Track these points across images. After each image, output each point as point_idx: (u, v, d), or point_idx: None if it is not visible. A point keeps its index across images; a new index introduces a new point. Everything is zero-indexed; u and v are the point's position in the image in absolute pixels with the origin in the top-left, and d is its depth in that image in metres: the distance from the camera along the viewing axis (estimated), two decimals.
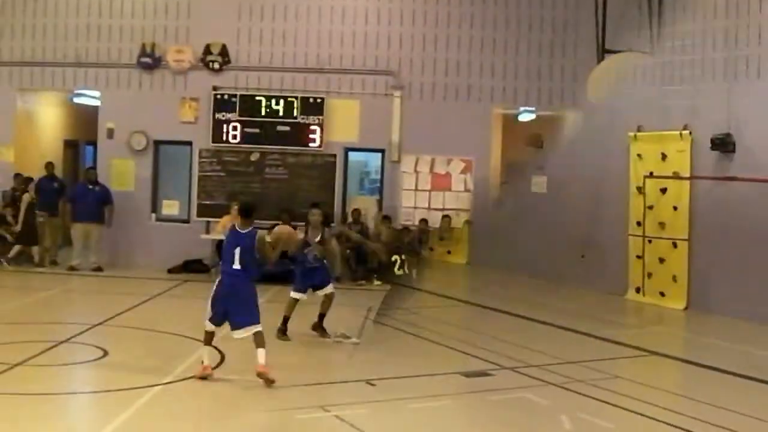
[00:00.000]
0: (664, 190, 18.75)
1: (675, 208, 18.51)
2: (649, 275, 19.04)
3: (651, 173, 19.02)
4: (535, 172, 22.45)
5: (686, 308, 18.18)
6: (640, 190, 19.20)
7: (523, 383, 12.11)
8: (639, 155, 19.33)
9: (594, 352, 14.10)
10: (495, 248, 22.99)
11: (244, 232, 11.75)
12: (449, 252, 24.38)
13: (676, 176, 18.47)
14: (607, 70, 19.74)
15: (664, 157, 18.75)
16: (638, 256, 19.25)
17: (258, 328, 11.52)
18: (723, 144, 17.49)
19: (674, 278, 18.47)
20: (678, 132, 18.38)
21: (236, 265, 11.60)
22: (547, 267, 21.52)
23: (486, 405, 11.32)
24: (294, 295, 14.33)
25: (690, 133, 18.21)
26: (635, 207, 19.36)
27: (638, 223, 19.26)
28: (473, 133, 22.63)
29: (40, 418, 9.89)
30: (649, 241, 19.03)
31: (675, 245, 18.51)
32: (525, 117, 24.66)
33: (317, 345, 14.16)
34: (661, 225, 18.81)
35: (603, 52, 20.35)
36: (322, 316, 14.50)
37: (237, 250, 11.62)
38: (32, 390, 10.83)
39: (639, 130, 19.32)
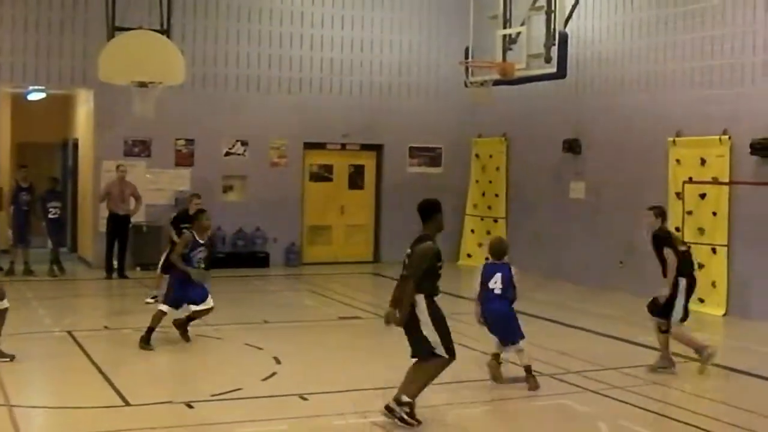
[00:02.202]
0: (703, 196, 18.66)
1: (714, 214, 18.40)
2: None
3: (690, 178, 18.93)
4: (573, 177, 22.37)
5: (725, 314, 18.07)
6: (679, 195, 19.12)
7: (562, 390, 12.10)
8: (678, 160, 19.24)
9: (633, 359, 14.05)
10: (533, 254, 22.96)
11: None
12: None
13: (716, 181, 18.38)
14: (120, 47, 19.82)
15: (703, 162, 18.66)
16: None
17: None
18: (763, 149, 17.37)
19: (713, 284, 18.36)
20: (717, 137, 18.29)
21: None
22: (587, 273, 21.47)
23: (525, 411, 11.32)
24: None
25: (729, 137, 18.12)
26: (674, 212, 19.23)
27: (677, 229, 19.12)
28: None
29: None
30: (688, 247, 18.92)
31: (714, 251, 18.40)
32: (35, 96, 25.14)
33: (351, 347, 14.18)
34: (701, 230, 18.71)
35: (113, 29, 20.48)
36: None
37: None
38: None
39: (678, 135, 19.23)
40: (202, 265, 14.48)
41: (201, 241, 14.55)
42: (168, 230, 18.54)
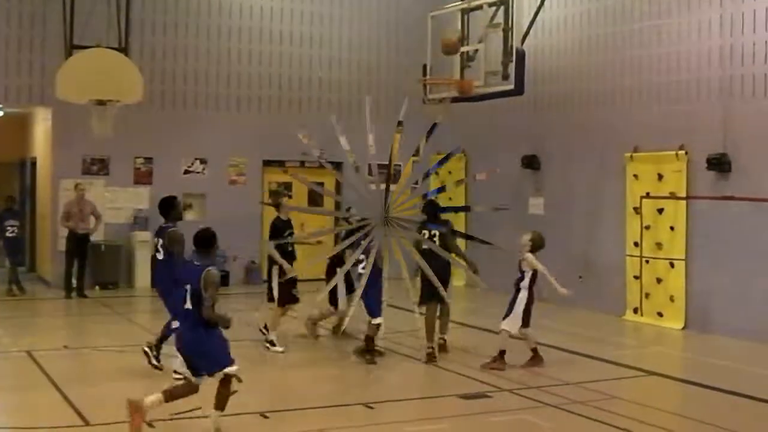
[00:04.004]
0: (660, 211, 18.80)
1: (672, 228, 18.55)
2: (647, 295, 19.07)
3: (647, 194, 19.07)
4: (532, 193, 22.47)
5: (684, 328, 18.20)
6: (637, 210, 19.25)
7: (522, 405, 12.13)
8: (635, 176, 19.38)
9: (592, 373, 14.13)
10: (493, 271, 22.97)
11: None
12: None
13: (673, 196, 18.52)
14: (78, 65, 19.90)
15: (660, 177, 18.81)
16: (636, 277, 19.28)
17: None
18: (719, 164, 17.54)
19: (672, 298, 18.50)
20: (674, 152, 18.44)
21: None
22: (546, 288, 21.47)
23: (485, 427, 11.32)
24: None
25: (686, 153, 18.28)
26: (632, 227, 19.41)
27: (635, 244, 19.30)
28: None
29: None
30: (647, 262, 19.07)
31: (672, 265, 18.54)
32: None
33: (315, 366, 14.18)
34: (658, 245, 18.85)
35: (71, 47, 20.56)
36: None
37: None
38: None
39: (635, 150, 19.37)
40: None
41: None
42: (271, 252, 17.29)
